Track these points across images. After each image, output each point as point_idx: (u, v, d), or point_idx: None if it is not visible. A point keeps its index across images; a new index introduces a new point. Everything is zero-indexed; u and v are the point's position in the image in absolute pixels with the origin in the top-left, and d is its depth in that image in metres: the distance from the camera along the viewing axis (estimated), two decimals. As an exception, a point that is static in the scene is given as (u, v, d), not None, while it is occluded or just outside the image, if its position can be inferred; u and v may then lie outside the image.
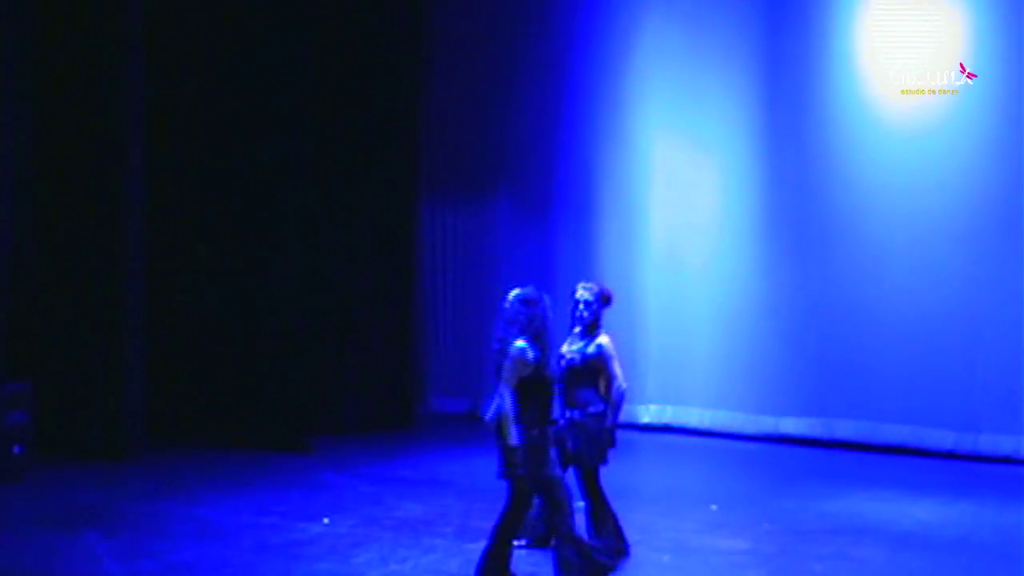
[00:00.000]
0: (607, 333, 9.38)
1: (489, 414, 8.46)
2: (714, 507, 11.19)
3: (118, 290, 12.79)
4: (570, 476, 8.96)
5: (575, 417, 9.24)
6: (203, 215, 13.86)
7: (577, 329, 9.36)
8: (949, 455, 13.32)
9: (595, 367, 9.28)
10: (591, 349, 9.28)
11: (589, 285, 9.44)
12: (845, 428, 13.85)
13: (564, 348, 9.34)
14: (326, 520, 10.53)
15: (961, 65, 13.20)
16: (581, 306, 9.33)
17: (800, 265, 14.10)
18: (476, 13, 15.44)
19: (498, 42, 15.35)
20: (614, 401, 9.23)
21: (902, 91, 13.49)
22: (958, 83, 13.23)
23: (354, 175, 14.43)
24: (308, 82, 13.72)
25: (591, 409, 9.23)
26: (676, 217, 14.75)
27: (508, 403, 8.29)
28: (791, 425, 14.14)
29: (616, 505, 9.29)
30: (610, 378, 9.26)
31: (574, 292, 9.40)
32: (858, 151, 13.79)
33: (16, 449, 11.75)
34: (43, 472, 11.92)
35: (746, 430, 14.31)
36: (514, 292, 8.56)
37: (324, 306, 14.19)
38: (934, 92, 13.37)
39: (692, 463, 13.35)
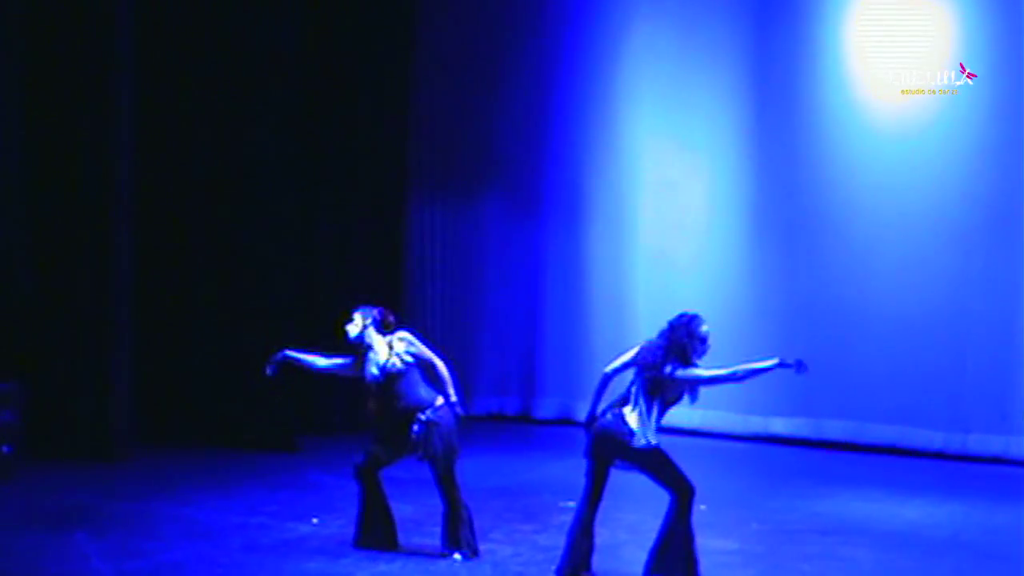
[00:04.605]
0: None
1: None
2: (703, 507, 11.12)
3: (106, 290, 12.75)
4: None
5: (430, 418, 9.27)
6: (191, 214, 13.83)
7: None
8: (938, 455, 13.35)
9: (417, 365, 9.40)
10: (402, 348, 9.40)
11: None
12: (834, 428, 13.86)
13: (376, 358, 9.39)
14: (315, 520, 10.52)
15: (961, 65, 13.21)
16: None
17: (789, 265, 14.11)
18: (465, 12, 15.42)
19: (487, 41, 15.33)
20: (451, 381, 9.39)
21: (902, 91, 13.48)
22: (958, 83, 13.24)
23: (343, 175, 14.41)
24: (296, 81, 13.70)
25: (439, 405, 9.32)
26: (665, 217, 14.75)
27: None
28: (780, 425, 14.15)
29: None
30: (432, 363, 9.45)
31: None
32: (850, 151, 13.79)
33: (5, 449, 11.74)
34: (32, 472, 11.88)
35: (735, 430, 14.31)
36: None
37: (312, 305, 14.17)
38: (934, 92, 13.38)
39: (681, 463, 13.30)
